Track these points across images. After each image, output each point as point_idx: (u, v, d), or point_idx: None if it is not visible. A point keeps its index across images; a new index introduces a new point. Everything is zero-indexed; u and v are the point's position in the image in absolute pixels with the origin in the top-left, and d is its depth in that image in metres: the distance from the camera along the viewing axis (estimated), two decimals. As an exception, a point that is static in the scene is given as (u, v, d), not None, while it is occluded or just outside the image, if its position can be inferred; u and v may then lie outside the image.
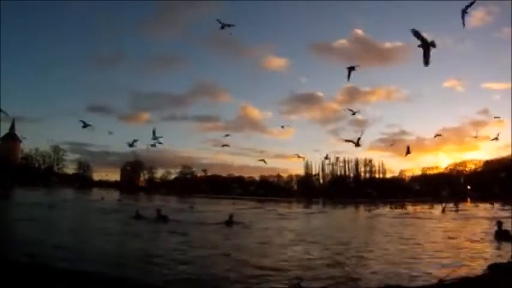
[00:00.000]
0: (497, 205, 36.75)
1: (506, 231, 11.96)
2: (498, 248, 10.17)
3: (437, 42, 7.93)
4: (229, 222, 16.10)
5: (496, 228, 12.45)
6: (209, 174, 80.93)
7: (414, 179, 77.63)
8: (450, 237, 12.90)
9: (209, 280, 6.41)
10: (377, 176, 79.85)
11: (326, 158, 66.59)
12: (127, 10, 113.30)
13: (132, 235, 12.20)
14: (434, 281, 5.72)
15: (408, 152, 22.74)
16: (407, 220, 21.64)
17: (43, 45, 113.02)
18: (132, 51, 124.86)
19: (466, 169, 74.64)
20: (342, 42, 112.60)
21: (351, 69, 13.37)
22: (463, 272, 6.51)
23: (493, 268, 6.22)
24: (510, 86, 63.96)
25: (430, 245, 10.61)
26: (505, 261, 7.43)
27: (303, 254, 9.21)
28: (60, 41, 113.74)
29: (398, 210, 34.89)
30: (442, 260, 8.28)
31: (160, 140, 23.39)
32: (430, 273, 6.69)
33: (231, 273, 6.91)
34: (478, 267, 6.92)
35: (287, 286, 5.98)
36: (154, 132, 21.66)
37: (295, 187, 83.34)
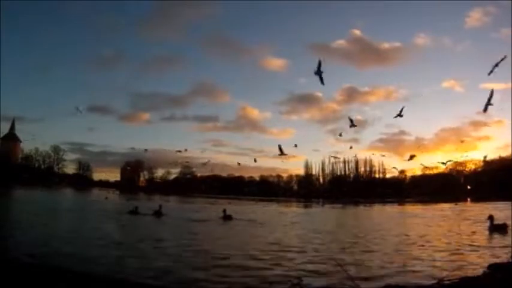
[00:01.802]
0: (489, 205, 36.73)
1: (498, 224, 13.02)
2: (495, 245, 10.24)
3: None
4: (225, 217, 16.62)
5: (489, 223, 13.27)
6: (209, 174, 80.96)
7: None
8: (449, 236, 12.90)
9: (208, 279, 6.40)
10: (377, 176, 79.83)
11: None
12: (127, 10, 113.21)
13: (132, 235, 12.21)
14: (434, 281, 5.72)
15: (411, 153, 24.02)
16: (405, 220, 21.64)
17: (43, 45, 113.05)
18: (132, 51, 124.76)
19: (466, 169, 74.51)
20: (341, 42, 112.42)
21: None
22: (462, 272, 6.52)
23: (493, 268, 6.22)
24: (510, 86, 63.88)
25: (428, 245, 10.58)
26: (505, 261, 7.44)
27: (302, 253, 9.21)
28: (60, 41, 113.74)
29: (397, 210, 34.89)
30: (441, 259, 8.28)
31: None
32: (430, 273, 6.69)
33: (229, 272, 6.92)
34: (478, 267, 6.91)
35: (287, 286, 5.99)
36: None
37: (295, 187, 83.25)
